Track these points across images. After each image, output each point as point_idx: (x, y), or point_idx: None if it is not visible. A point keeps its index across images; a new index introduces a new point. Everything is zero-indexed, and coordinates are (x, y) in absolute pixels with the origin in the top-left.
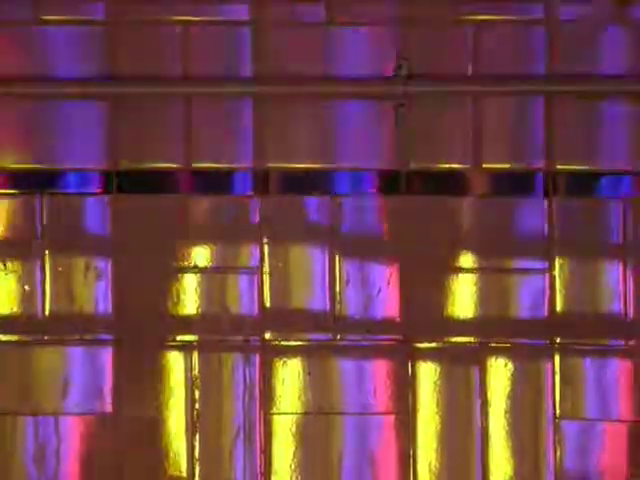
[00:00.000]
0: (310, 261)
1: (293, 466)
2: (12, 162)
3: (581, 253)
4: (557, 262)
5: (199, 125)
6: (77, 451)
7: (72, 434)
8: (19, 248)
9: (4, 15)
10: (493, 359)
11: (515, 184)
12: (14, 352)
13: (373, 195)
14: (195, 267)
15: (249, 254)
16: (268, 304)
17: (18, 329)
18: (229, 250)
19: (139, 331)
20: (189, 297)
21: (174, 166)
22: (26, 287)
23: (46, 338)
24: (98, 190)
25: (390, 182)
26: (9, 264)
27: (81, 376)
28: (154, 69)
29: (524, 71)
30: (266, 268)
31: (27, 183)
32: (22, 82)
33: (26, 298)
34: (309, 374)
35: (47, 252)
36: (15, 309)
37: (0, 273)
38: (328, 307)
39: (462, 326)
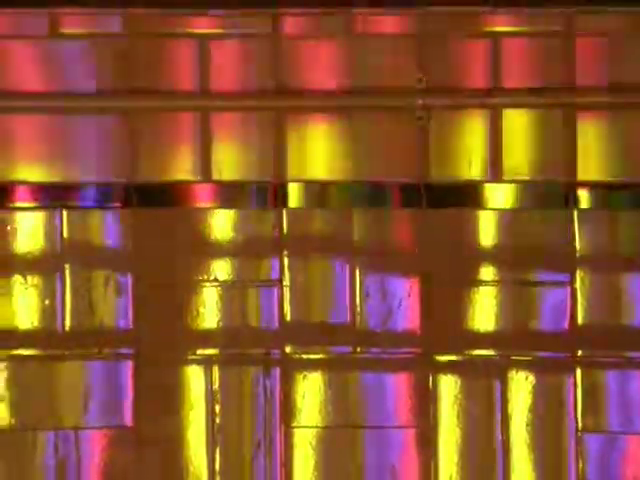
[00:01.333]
0: (330, 274)
1: (314, 479)
2: (31, 176)
3: (603, 265)
4: (578, 274)
5: (218, 138)
6: (97, 465)
7: (92, 448)
8: (39, 262)
9: (22, 29)
10: (514, 372)
11: (536, 197)
12: (34, 367)
13: (393, 208)
14: (215, 280)
15: (269, 267)
16: (288, 317)
17: (38, 344)
18: (249, 263)
19: (159, 345)
20: (209, 311)
21: (193, 179)
22: (46, 301)
23: (66, 353)
24: (118, 204)
25: (410, 195)
26: (29, 278)
27: (101, 390)
28: (173, 83)
29: (543, 83)
30: (286, 281)
31: (47, 197)
32: (40, 96)
33: (46, 312)
34: (329, 387)
35: (67, 266)
36: (35, 323)
37: (20, 287)
38: (348, 320)
39: (483, 339)
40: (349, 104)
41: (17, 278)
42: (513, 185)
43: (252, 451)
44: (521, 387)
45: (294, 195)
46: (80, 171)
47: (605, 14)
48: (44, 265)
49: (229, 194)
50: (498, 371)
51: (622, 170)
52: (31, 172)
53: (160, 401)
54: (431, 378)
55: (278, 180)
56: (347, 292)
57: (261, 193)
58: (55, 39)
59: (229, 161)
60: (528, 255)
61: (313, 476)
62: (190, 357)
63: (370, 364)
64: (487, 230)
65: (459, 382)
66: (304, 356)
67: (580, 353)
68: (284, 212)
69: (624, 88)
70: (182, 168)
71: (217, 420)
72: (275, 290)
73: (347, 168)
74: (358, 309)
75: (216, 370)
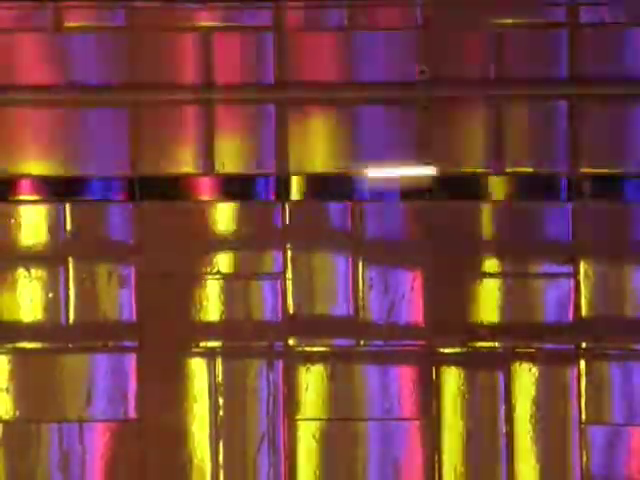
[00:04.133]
0: (333, 267)
1: (317, 472)
2: (35, 170)
3: (606, 257)
4: (582, 266)
5: (221, 131)
6: (101, 457)
7: (96, 440)
8: (43, 255)
9: (27, 23)
10: (518, 364)
11: (539, 188)
12: (38, 359)
13: (396, 200)
14: (218, 273)
15: (272, 260)
16: (291, 310)
17: (42, 336)
18: (252, 256)
19: (163, 337)
20: (212, 304)
21: (196, 172)
22: (50, 294)
23: (70, 345)
24: (121, 197)
25: (413, 187)
26: (33, 271)
27: (105, 383)
28: (176, 76)
29: (546, 74)
30: (289, 274)
31: (50, 191)
32: (44, 89)
33: (50, 305)
34: (333, 380)
35: (71, 259)
36: (39, 316)
37: (24, 280)
38: (352, 313)
39: (486, 331)
40: (352, 95)
41: (21, 271)
42: (516, 177)
43: (256, 443)
44: (525, 379)
45: (297, 188)
46: (84, 164)
47: (605, 6)
48: (48, 258)
49: (232, 187)
50: (502, 363)
51: (625, 161)
52: (35, 165)
53: (164, 393)
54: (434, 370)
55: (281, 173)
56: (350, 285)
57: (264, 186)
58: (59, 33)
59: (232, 154)
60: (531, 248)
61: (317, 468)
62: (193, 349)
63: (373, 357)
64: (490, 222)
65: (463, 374)
66: (307, 349)
67: (584, 345)
68: (287, 205)
69: (626, 79)
70: (185, 161)
71: (220, 412)
72: (278, 283)
73: (349, 160)
74: (361, 302)
75: (219, 363)
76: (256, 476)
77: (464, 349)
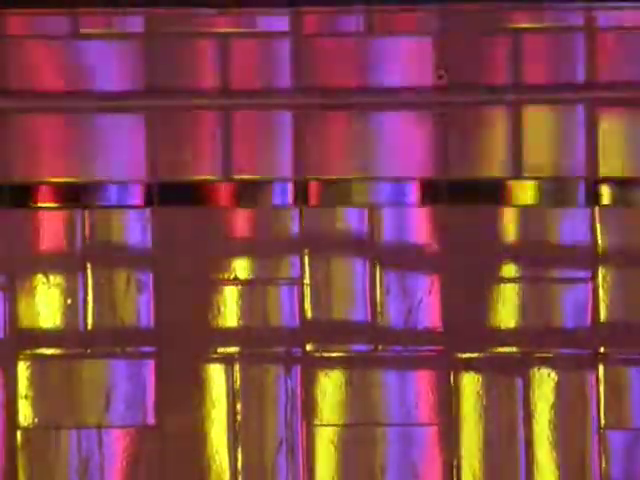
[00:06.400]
0: (351, 272)
1: (336, 478)
2: (53, 176)
3: (624, 262)
4: (600, 271)
5: (238, 137)
6: (120, 463)
7: (115, 447)
8: (61, 262)
9: (43, 29)
10: (536, 369)
11: (557, 193)
12: (57, 366)
13: (413, 205)
14: (236, 279)
15: (290, 265)
16: (309, 315)
17: (61, 343)
18: (269, 262)
19: (181, 344)
20: (230, 309)
21: (214, 178)
22: (69, 300)
23: (88, 351)
24: (139, 203)
25: (431, 192)
26: (52, 277)
27: (123, 389)
28: (193, 82)
29: (565, 79)
30: (307, 279)
31: (68, 196)
32: (62, 96)
33: (69, 311)
34: (351, 385)
35: (89, 265)
36: (58, 323)
37: (43, 287)
38: (369, 318)
39: (505, 336)
40: (370, 101)
41: (40, 277)
42: (535, 182)
43: (274, 449)
44: (543, 384)
45: (314, 193)
46: (101, 170)
47: (625, 10)
48: (66, 264)
49: (249, 192)
50: (520, 368)
51: None
52: (53, 172)
53: (182, 399)
54: (453, 376)
55: (298, 178)
56: (368, 290)
57: (281, 191)
58: (76, 39)
59: (249, 159)
60: (550, 252)
61: (335, 474)
62: (211, 355)
63: (391, 362)
64: (509, 227)
65: (481, 380)
66: (325, 354)
67: (602, 350)
68: (304, 210)
69: None
70: (203, 167)
71: (239, 418)
72: (296, 288)
73: (368, 165)
74: (379, 307)
75: (237, 368)
76: None
77: (482, 354)
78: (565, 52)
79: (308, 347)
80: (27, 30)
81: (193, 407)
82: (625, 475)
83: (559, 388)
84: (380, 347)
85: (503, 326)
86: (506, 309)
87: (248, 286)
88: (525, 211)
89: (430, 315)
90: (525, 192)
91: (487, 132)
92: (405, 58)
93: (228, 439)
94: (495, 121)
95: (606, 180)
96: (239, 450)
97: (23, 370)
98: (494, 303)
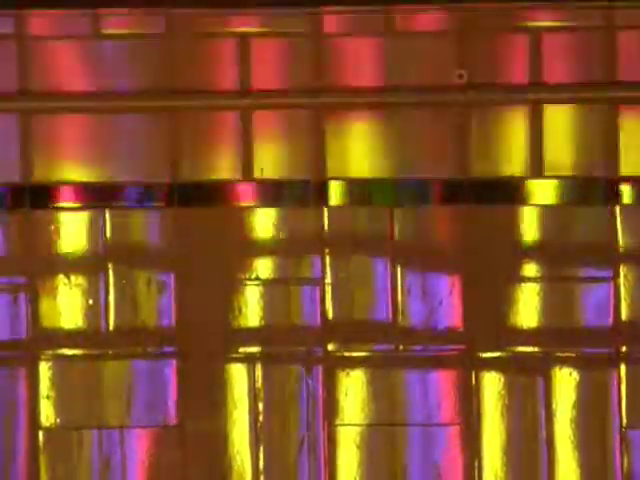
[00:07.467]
0: (372, 272)
1: (358, 478)
2: (75, 177)
3: None
4: (622, 270)
5: (259, 137)
6: (142, 464)
7: (136, 447)
8: (83, 262)
9: (64, 30)
10: (558, 369)
11: (578, 192)
12: (79, 366)
13: (435, 205)
14: (257, 279)
15: (311, 265)
16: (330, 315)
17: (82, 343)
18: (291, 262)
19: (202, 344)
20: (251, 309)
21: (235, 178)
22: (90, 301)
23: (110, 352)
24: (160, 204)
25: (452, 191)
26: (73, 278)
27: (145, 389)
28: (214, 82)
29: (585, 78)
30: (328, 279)
31: (90, 197)
32: (83, 96)
33: (90, 312)
34: (372, 385)
35: (110, 266)
36: (79, 323)
37: (64, 287)
38: (391, 318)
39: (526, 335)
40: (390, 100)
41: (61, 278)
42: (555, 181)
43: (296, 449)
44: (565, 384)
45: (335, 193)
46: (123, 171)
47: None
48: (88, 265)
49: (270, 192)
50: (542, 368)
51: None
52: (74, 172)
53: (204, 399)
54: (474, 375)
55: (319, 178)
56: (389, 290)
57: (302, 191)
58: (98, 39)
59: (270, 160)
60: (571, 251)
61: (357, 474)
62: (233, 355)
63: (413, 361)
64: (529, 226)
65: (502, 379)
66: (346, 354)
67: (624, 349)
68: (325, 210)
69: None
70: (224, 167)
71: (260, 418)
72: (317, 288)
73: (388, 165)
74: (400, 307)
75: (259, 368)
76: None
77: (504, 354)
78: (585, 51)
79: (329, 347)
80: (49, 31)
81: (214, 407)
82: None
83: (580, 387)
84: (401, 347)
85: (524, 326)
86: (527, 309)
87: (269, 286)
88: (546, 210)
89: (451, 315)
90: (546, 191)
91: (507, 131)
92: (425, 58)
93: (250, 439)
94: (515, 120)
95: (627, 179)
96: (261, 450)
97: (45, 370)
98: (515, 303)
